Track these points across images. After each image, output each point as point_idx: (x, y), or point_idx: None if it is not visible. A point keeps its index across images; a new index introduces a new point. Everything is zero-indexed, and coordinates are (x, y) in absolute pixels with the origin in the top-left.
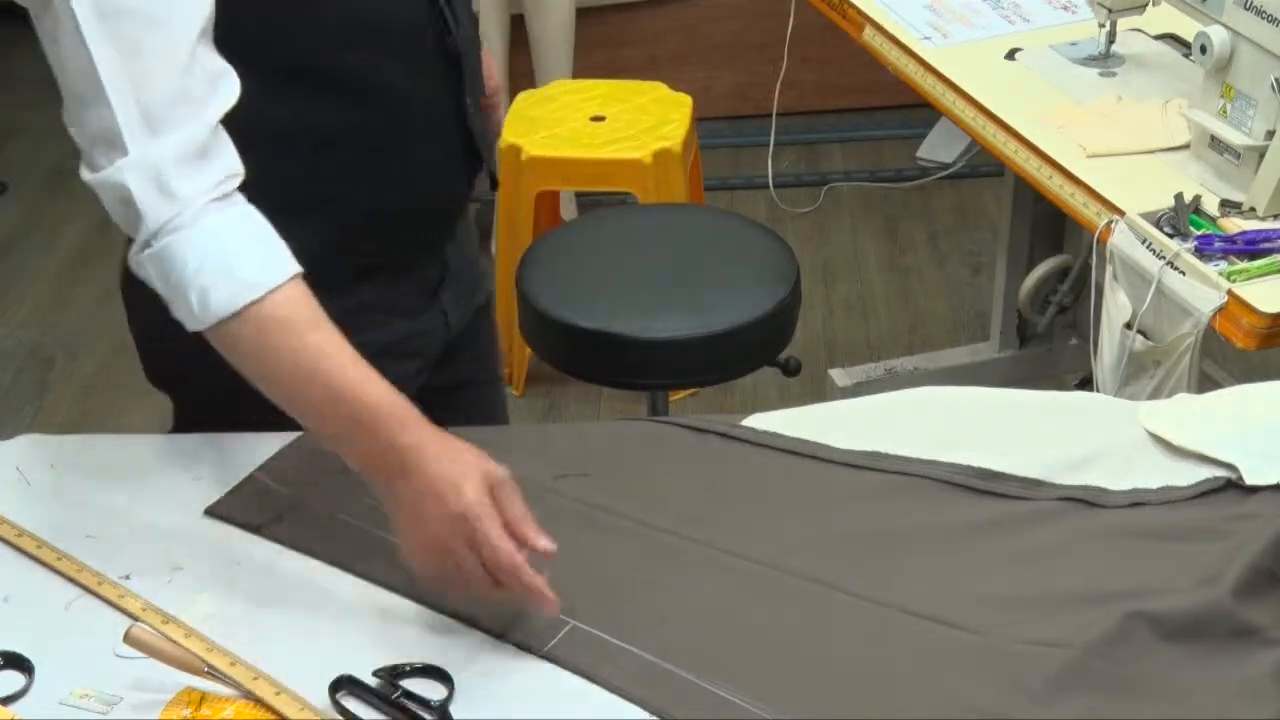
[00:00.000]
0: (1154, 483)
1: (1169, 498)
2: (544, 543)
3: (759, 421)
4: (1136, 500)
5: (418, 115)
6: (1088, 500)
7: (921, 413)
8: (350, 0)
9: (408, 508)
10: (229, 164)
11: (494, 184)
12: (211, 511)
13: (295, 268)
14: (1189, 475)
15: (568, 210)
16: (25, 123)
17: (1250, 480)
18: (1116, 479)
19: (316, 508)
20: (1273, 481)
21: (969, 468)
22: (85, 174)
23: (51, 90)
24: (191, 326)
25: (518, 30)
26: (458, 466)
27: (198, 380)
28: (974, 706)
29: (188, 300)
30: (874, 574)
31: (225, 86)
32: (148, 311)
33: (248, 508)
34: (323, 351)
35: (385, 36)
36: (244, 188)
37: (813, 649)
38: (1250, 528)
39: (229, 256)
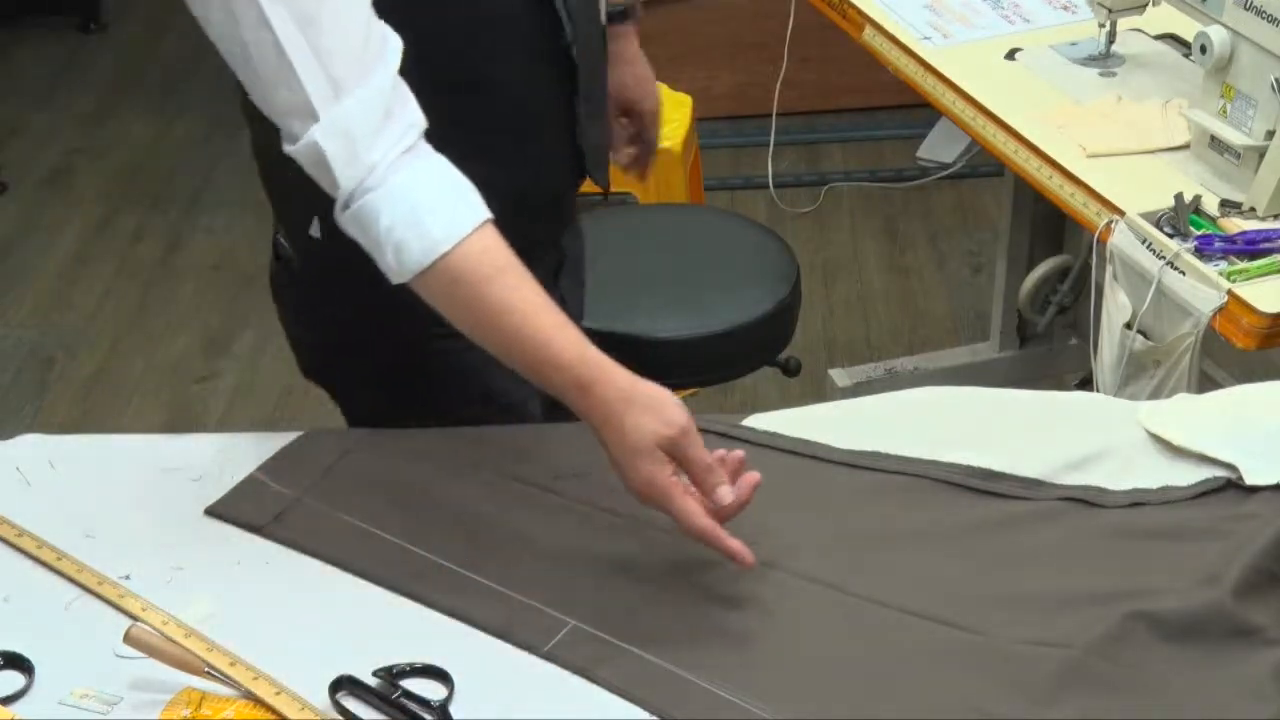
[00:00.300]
0: (1154, 483)
1: (1169, 498)
2: (726, 494)
3: (759, 421)
4: (1136, 500)
5: (525, 114)
6: (1088, 500)
7: (921, 413)
8: None
9: (608, 453)
10: (410, 115)
11: (605, 195)
12: (211, 511)
13: (481, 215)
14: (1189, 475)
15: None
16: (25, 123)
17: (1250, 480)
18: (1116, 479)
19: (316, 508)
20: (1273, 481)
21: (969, 468)
22: (286, 147)
23: (51, 90)
24: (395, 280)
25: None
26: (630, 439)
27: (347, 372)
28: (974, 706)
29: (386, 257)
30: (874, 574)
31: (393, 42)
32: (295, 308)
33: (248, 508)
34: (506, 304)
35: (490, 30)
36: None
37: (813, 649)
38: (1250, 528)
39: (419, 211)
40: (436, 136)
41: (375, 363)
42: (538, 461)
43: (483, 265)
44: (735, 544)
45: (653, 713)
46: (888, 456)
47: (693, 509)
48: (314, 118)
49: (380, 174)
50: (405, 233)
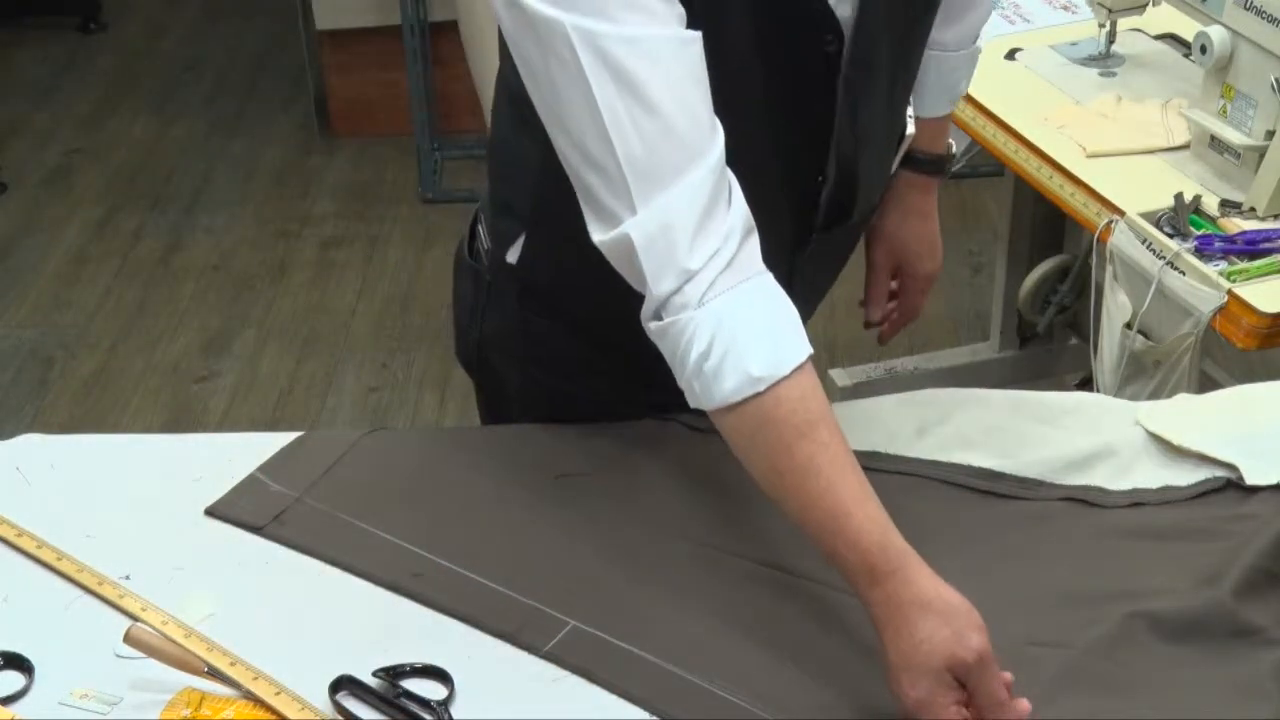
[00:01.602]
0: (1154, 483)
1: (1169, 498)
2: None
3: None
4: (1136, 500)
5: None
6: (1087, 500)
7: (921, 413)
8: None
9: (884, 652)
10: (735, 216)
11: None
12: (211, 511)
13: (803, 352)
14: (1189, 475)
15: None
16: (25, 123)
17: (1250, 480)
18: (1116, 479)
19: (316, 508)
20: (1273, 481)
21: (969, 467)
22: (595, 236)
23: (51, 90)
24: (692, 404)
25: None
26: (919, 653)
27: (499, 370)
28: None
29: (691, 385)
30: None
31: (718, 124)
32: (469, 295)
33: (248, 508)
34: (812, 462)
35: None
36: None
37: (813, 649)
38: (1250, 528)
39: (739, 346)
40: None
41: (531, 379)
42: (538, 461)
43: (797, 413)
44: None
45: (653, 713)
46: (888, 456)
47: None
48: (630, 209)
49: (699, 288)
50: (721, 362)
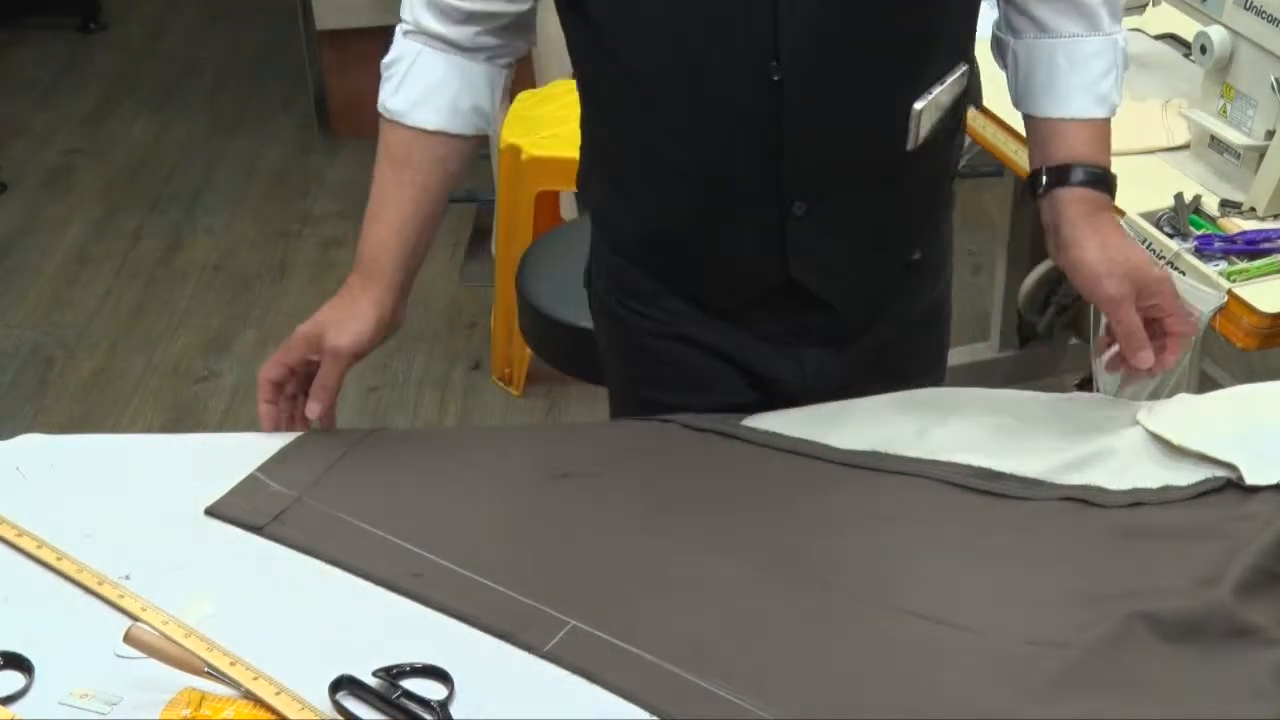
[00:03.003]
0: (1154, 483)
1: (1168, 498)
2: (312, 410)
3: (759, 421)
4: (1136, 500)
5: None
6: (1087, 500)
7: (921, 413)
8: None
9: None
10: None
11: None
12: (211, 511)
13: (438, 123)
14: (1189, 475)
15: (568, 210)
16: (25, 123)
17: (1250, 480)
18: (1116, 479)
19: (316, 508)
20: (1273, 481)
21: (969, 467)
22: None
23: (51, 90)
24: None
25: None
26: (315, 318)
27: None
28: (974, 706)
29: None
30: (874, 574)
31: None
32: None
33: (248, 508)
34: (386, 186)
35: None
36: None
37: (813, 649)
38: (1250, 528)
39: (402, 82)
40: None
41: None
42: (538, 461)
43: (399, 152)
44: (268, 418)
45: (653, 713)
46: (888, 456)
47: (269, 412)
48: None
49: (411, 23)
50: (390, 79)
